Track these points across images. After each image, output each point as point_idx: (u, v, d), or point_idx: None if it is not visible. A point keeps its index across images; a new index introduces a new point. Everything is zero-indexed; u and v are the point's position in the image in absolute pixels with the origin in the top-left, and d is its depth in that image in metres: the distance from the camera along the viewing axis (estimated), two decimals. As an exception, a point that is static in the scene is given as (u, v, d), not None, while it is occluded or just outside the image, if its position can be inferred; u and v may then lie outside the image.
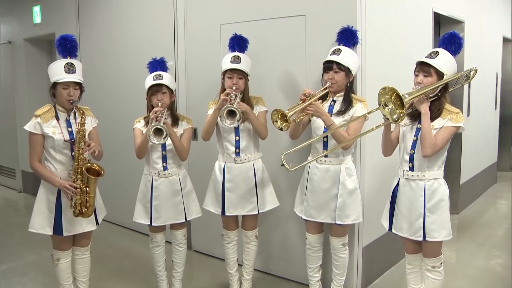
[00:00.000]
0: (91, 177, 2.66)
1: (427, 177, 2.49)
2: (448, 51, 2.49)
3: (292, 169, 2.70)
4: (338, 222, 2.84)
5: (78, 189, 2.64)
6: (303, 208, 2.95)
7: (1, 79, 6.57)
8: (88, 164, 2.69)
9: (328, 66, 2.79)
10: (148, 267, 3.52)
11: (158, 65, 3.05)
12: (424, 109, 2.42)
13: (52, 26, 5.46)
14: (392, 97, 2.30)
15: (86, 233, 2.87)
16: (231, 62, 2.92)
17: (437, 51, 2.49)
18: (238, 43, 3.04)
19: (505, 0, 6.32)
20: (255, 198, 3.04)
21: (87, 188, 2.67)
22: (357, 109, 2.79)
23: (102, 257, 3.94)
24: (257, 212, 3.07)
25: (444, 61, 2.46)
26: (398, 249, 3.16)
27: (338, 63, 2.76)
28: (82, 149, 2.66)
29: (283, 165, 2.71)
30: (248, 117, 2.93)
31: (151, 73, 3.01)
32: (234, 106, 2.78)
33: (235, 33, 3.07)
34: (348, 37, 2.89)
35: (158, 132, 2.73)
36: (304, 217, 2.96)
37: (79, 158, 2.66)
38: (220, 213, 3.09)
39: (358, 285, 3.27)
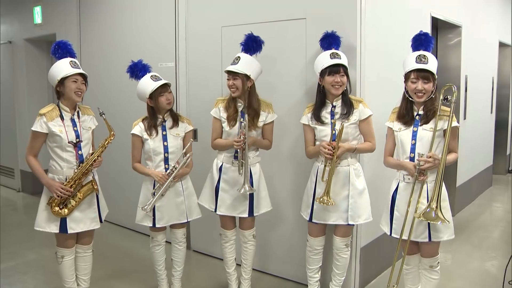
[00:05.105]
0: (93, 186, 2.78)
1: (428, 179, 2.52)
2: (427, 51, 2.54)
3: None
4: (351, 222, 2.84)
5: (69, 193, 2.72)
6: (313, 212, 2.91)
7: (1, 79, 6.58)
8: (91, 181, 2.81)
9: (335, 69, 2.73)
10: (148, 267, 3.55)
11: (143, 68, 3.03)
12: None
13: (52, 26, 5.48)
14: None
15: (89, 232, 2.90)
16: (231, 64, 2.95)
17: (424, 55, 2.49)
18: (248, 43, 3.00)
19: (502, 6, 6.41)
20: (248, 201, 3.05)
21: (80, 195, 2.77)
22: (361, 110, 2.81)
23: (103, 256, 3.96)
24: (247, 215, 3.06)
25: (434, 64, 2.51)
26: (395, 250, 3.19)
27: (343, 66, 2.77)
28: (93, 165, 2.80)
29: None
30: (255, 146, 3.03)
31: (136, 76, 3.03)
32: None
33: (250, 33, 3.01)
34: (335, 42, 2.89)
35: None
36: (314, 221, 2.91)
37: (87, 171, 2.78)
38: (213, 210, 3.11)
39: (355, 285, 3.30)
